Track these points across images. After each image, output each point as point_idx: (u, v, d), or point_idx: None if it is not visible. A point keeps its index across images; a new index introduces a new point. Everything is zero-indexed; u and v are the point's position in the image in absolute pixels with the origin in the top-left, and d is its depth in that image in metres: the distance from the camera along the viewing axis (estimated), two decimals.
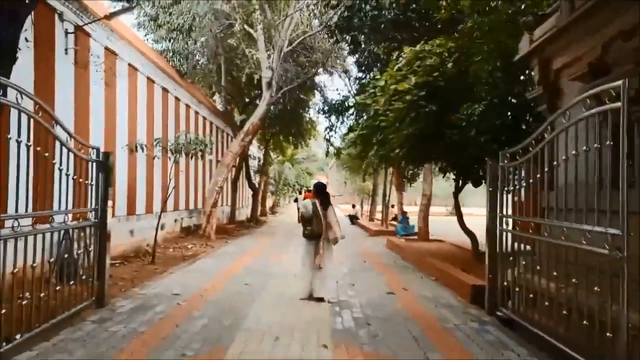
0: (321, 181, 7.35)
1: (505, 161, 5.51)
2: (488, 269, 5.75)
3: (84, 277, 5.46)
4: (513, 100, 7.63)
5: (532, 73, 5.98)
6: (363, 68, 18.37)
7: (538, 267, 4.63)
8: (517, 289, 5.13)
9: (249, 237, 16.27)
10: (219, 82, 18.32)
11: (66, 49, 7.95)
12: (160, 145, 9.72)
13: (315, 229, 6.48)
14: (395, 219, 22.44)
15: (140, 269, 8.88)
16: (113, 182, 6.63)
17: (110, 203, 5.80)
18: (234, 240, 14.60)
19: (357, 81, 20.05)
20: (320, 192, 6.80)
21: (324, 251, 6.46)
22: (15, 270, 4.03)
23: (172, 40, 14.91)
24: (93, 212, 5.59)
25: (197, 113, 16.70)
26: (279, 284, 7.46)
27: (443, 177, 9.79)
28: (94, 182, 5.56)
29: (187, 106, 15.53)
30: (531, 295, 4.76)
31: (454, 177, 9.47)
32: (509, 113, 7.59)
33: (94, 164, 5.59)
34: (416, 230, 16.90)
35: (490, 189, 5.81)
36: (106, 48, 9.59)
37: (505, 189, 5.55)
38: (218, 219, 19.92)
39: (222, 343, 4.47)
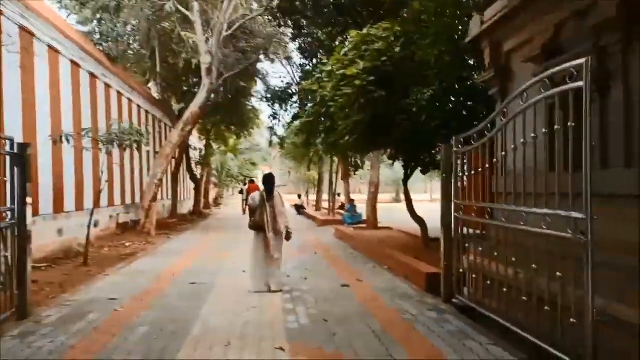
0: (269, 172, 7.30)
1: (460, 146, 5.40)
2: (443, 256, 5.66)
3: (0, 286, 4.75)
4: (462, 84, 7.59)
5: (483, 56, 5.90)
6: (306, 54, 18.00)
7: (495, 254, 4.55)
8: (473, 276, 5.06)
9: (192, 232, 15.54)
10: (153, 69, 17.23)
11: None
12: (90, 136, 8.85)
13: (258, 220, 6.44)
14: (342, 207, 22.44)
15: (70, 272, 8.08)
16: (33, 177, 5.89)
17: (29, 200, 5.09)
18: (177, 236, 13.85)
19: (300, 68, 19.69)
20: (265, 183, 6.73)
21: (274, 242, 6.40)
22: None
23: (99, 22, 13.71)
24: (9, 212, 4.88)
25: (130, 101, 15.59)
26: (227, 282, 7.01)
27: (392, 164, 9.70)
28: (8, 178, 4.84)
29: (119, 93, 14.43)
30: (488, 282, 4.69)
31: (403, 164, 9.41)
32: (460, 98, 7.56)
33: (8, 157, 4.86)
34: (364, 218, 16.95)
35: (444, 175, 5.70)
36: (20, 27, 8.54)
37: (460, 174, 5.45)
38: (158, 213, 18.93)
39: (166, 354, 4.01)
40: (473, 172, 5.15)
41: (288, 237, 6.60)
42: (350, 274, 7.65)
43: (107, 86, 13.40)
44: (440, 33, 7.18)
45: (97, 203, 10.18)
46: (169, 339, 4.38)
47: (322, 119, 9.45)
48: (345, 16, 12.22)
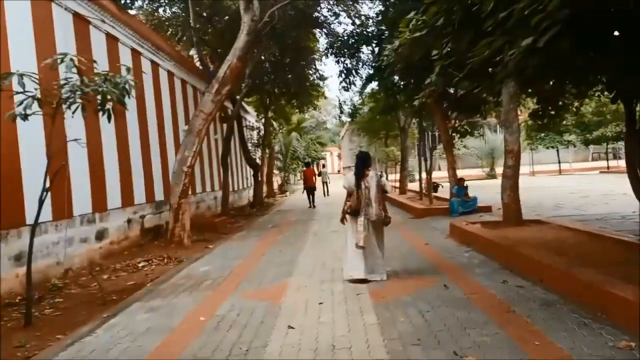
0: (362, 151, 6.61)
1: None
2: None
3: None
4: None
5: None
6: None
7: None
8: None
9: (244, 235, 11.32)
10: (186, 22, 13.24)
11: None
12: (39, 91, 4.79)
13: (354, 204, 5.80)
14: (435, 189, 17.48)
15: None
16: None
17: None
18: (220, 244, 9.74)
19: (373, 18, 14.93)
20: (357, 162, 5.96)
21: (364, 229, 5.64)
22: None
23: None
24: None
25: (155, 64, 11.73)
26: None
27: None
28: None
29: (135, 52, 10.56)
30: None
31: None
32: None
33: None
34: (478, 204, 12.05)
35: None
36: None
37: None
38: (209, 208, 15.28)
39: None
40: None
41: (385, 221, 5.90)
42: None
43: (112, 39, 9.53)
44: None
45: (67, 208, 6.30)
46: None
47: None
48: None
